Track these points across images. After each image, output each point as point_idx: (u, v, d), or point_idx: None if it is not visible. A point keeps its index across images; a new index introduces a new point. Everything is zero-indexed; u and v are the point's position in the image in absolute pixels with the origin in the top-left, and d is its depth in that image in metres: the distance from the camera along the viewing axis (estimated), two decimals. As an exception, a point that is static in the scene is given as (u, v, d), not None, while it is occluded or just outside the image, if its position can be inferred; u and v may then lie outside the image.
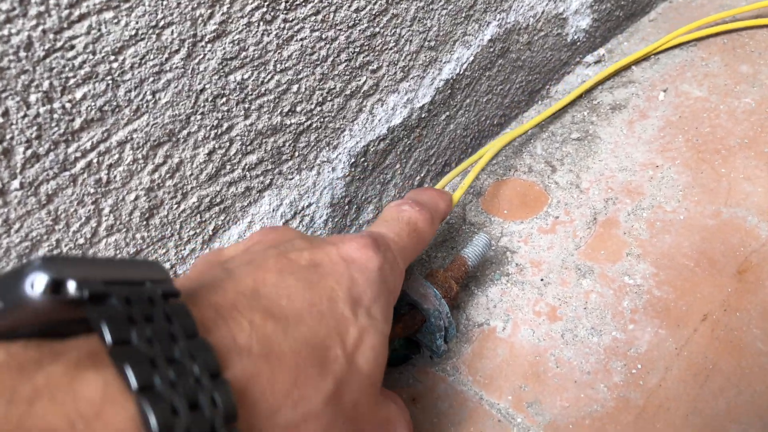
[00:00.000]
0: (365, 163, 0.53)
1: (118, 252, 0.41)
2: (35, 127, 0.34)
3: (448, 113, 0.59)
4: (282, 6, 0.42)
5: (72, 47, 0.34)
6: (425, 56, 0.53)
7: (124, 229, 0.41)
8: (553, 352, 0.48)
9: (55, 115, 0.34)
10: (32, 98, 0.33)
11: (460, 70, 0.57)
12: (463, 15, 0.54)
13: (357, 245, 0.32)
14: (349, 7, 0.45)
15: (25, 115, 0.33)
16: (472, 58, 0.58)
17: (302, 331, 0.26)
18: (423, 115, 0.56)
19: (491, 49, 0.59)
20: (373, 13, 0.47)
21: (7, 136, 0.33)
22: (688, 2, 0.80)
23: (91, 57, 0.35)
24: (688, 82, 0.68)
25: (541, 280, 0.53)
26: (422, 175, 0.60)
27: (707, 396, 0.43)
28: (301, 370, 0.25)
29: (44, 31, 0.32)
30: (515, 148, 0.64)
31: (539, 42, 0.65)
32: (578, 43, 0.70)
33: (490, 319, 0.51)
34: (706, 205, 0.55)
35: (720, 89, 0.66)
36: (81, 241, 0.39)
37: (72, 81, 0.34)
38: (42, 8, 0.32)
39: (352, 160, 0.52)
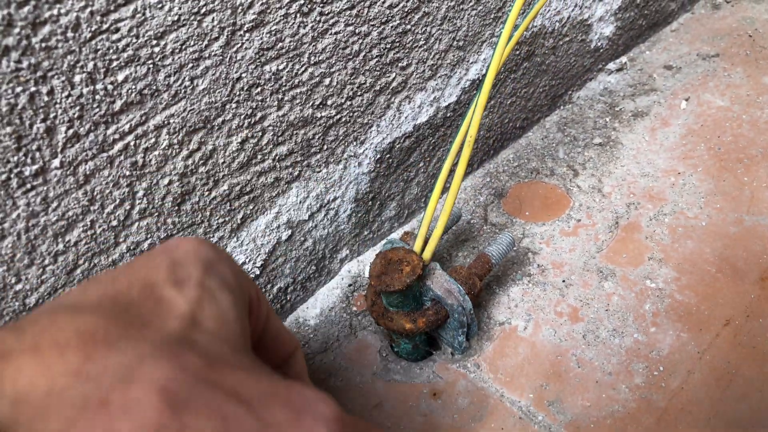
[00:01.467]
0: (390, 160, 0.54)
1: (148, 236, 0.41)
2: (78, 108, 0.34)
3: (472, 114, 0.59)
4: (319, -1, 0.42)
5: (117, 30, 0.34)
6: (453, 56, 0.54)
7: (156, 214, 0.41)
8: (575, 353, 0.48)
9: (97, 96, 0.35)
10: (77, 78, 0.34)
11: (486, 71, 0.58)
12: (492, 16, 0.55)
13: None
14: (383, 3, 0.46)
15: (69, 95, 0.34)
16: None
17: None
18: (448, 115, 0.57)
19: (517, 52, 0.60)
20: (406, 10, 0.48)
21: (51, 115, 0.34)
22: (711, 14, 0.80)
23: (134, 40, 0.35)
24: (711, 92, 0.68)
25: (563, 281, 0.53)
26: (445, 174, 0.60)
27: (730, 400, 0.43)
28: None
29: (92, 13, 0.33)
30: (537, 152, 0.65)
31: (564, 47, 0.65)
32: (601, 50, 0.71)
33: (511, 318, 0.51)
34: (729, 212, 0.56)
35: (743, 99, 0.66)
36: (114, 223, 0.39)
37: (115, 63, 0.35)
38: (91, -11, 0.32)
39: (378, 156, 0.53)
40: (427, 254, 0.47)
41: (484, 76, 0.44)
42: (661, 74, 0.72)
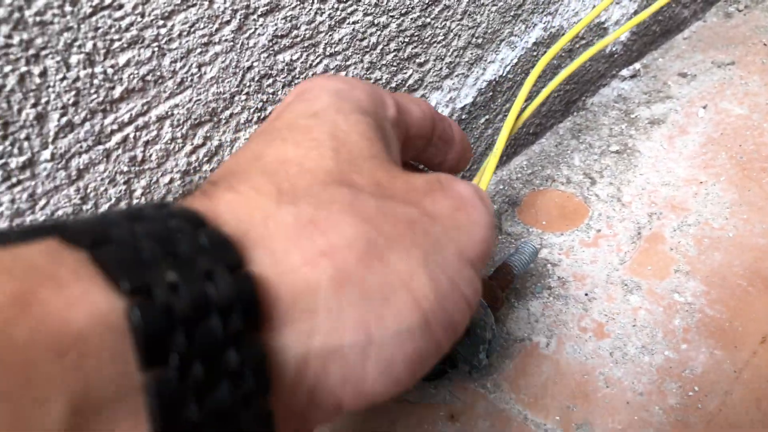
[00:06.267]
0: (403, 163, 0.50)
1: (146, 240, 0.37)
2: (73, 92, 0.31)
3: (487, 117, 0.56)
4: (337, -15, 0.39)
5: (120, 6, 0.31)
6: (471, 54, 0.51)
7: (156, 215, 0.37)
8: (602, 371, 0.44)
9: (96, 81, 0.31)
10: (73, 59, 0.30)
11: (503, 72, 0.55)
12: (512, 14, 0.52)
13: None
14: (403, -7, 0.43)
15: (64, 78, 0.30)
16: (516, 60, 0.55)
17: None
18: (463, 117, 0.53)
19: (535, 53, 0.57)
20: (426, 2, 0.45)
21: (43, 100, 0.30)
22: (723, 22, 0.78)
23: (139, 19, 0.31)
24: (728, 100, 0.66)
25: (586, 294, 0.50)
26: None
27: (772, 424, 0.40)
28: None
29: (93, -15, 0.29)
30: (551, 159, 0.62)
31: (579, 50, 0.62)
32: (615, 56, 0.68)
33: (531, 334, 0.48)
34: (756, 223, 0.53)
35: (762, 108, 0.64)
36: (109, 224, 0.35)
37: (117, 44, 0.31)
38: (93, -42, 0.29)
39: (391, 158, 0.49)
40: (446, 263, 0.44)
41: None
42: (676, 81, 0.70)
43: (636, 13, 0.66)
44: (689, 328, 0.46)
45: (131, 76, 0.32)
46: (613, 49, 0.67)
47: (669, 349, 0.45)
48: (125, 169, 0.35)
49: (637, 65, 0.71)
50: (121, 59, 0.32)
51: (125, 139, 0.34)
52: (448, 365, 0.47)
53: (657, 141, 0.63)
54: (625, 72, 0.70)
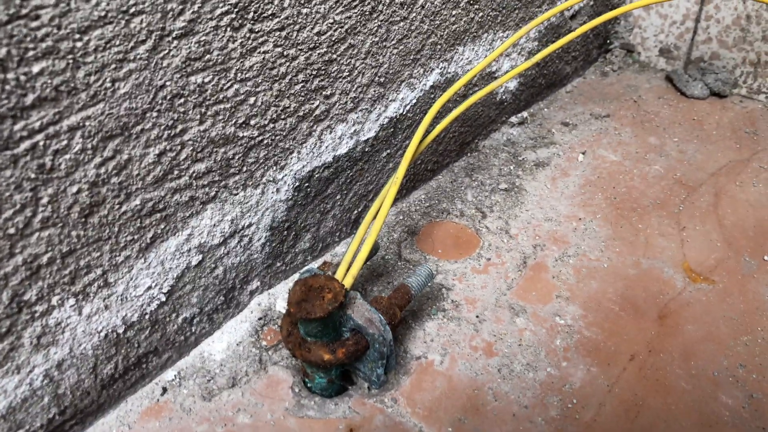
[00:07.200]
0: (308, 189, 0.53)
1: (49, 249, 0.37)
2: (-16, 96, 0.31)
3: (389, 151, 0.60)
4: (250, 16, 0.41)
5: (37, 17, 0.32)
6: (374, 91, 0.54)
7: (61, 224, 0.37)
8: (491, 386, 0.48)
9: (7, 87, 0.32)
10: (-14, 63, 0.31)
11: (403, 111, 0.59)
12: (411, 57, 0.56)
13: None
14: (312, 29, 0.46)
15: (-24, 80, 0.31)
16: (415, 100, 0.59)
17: None
18: (367, 149, 0.57)
19: (432, 96, 0.61)
20: (333, 39, 0.48)
21: (-48, 101, 0.30)
22: (600, 80, 0.87)
23: (55, 31, 0.33)
24: (604, 148, 0.73)
25: (477, 316, 0.53)
26: (360, 209, 0.60)
27: (639, 430, 0.45)
28: None
29: (12, -7, 0.30)
30: (447, 194, 0.66)
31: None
32: (505, 104, 0.74)
33: (427, 352, 0.50)
34: (627, 256, 0.59)
35: (632, 156, 0.72)
36: (11, 230, 0.35)
37: (31, 53, 0.32)
38: (14, -32, 0.30)
39: (297, 183, 0.51)
40: (348, 282, 0.46)
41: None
42: (559, 129, 0.76)
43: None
44: (569, 347, 0.51)
45: (44, 85, 0.33)
46: (504, 97, 0.73)
47: (551, 366, 0.49)
48: (32, 176, 0.35)
49: (524, 113, 0.78)
50: (35, 68, 0.32)
51: (34, 146, 0.34)
52: (348, 382, 0.48)
53: (541, 181, 0.68)
54: (514, 119, 0.76)
